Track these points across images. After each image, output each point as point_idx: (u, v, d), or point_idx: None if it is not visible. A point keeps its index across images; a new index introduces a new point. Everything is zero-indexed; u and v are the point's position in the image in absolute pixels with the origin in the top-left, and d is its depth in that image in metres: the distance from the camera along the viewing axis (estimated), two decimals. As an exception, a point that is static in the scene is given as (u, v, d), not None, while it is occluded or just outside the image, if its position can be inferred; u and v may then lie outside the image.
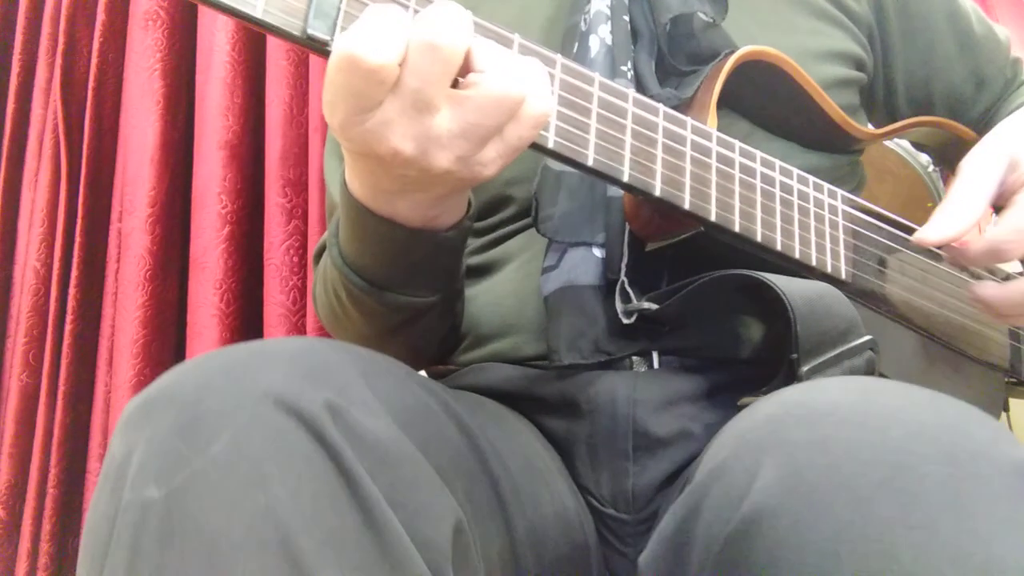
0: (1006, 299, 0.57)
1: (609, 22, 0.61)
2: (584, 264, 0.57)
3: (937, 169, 0.77)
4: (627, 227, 0.57)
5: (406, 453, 0.41)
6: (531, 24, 0.69)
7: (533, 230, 0.65)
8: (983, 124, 0.81)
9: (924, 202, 0.75)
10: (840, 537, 0.32)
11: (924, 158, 0.77)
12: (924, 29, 0.77)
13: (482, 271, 0.68)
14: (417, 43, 0.39)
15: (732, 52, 0.58)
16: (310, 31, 0.39)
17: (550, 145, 0.45)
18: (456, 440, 0.49)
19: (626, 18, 0.62)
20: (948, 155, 0.75)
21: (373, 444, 0.40)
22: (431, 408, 0.48)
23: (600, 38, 0.60)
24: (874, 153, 0.70)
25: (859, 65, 0.72)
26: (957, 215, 0.55)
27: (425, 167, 0.42)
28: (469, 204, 0.55)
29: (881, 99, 0.78)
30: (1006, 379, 0.73)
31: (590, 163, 0.46)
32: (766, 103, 0.62)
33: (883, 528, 0.31)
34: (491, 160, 0.43)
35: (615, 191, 0.58)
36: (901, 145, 0.76)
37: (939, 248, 0.63)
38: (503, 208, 0.67)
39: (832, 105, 0.63)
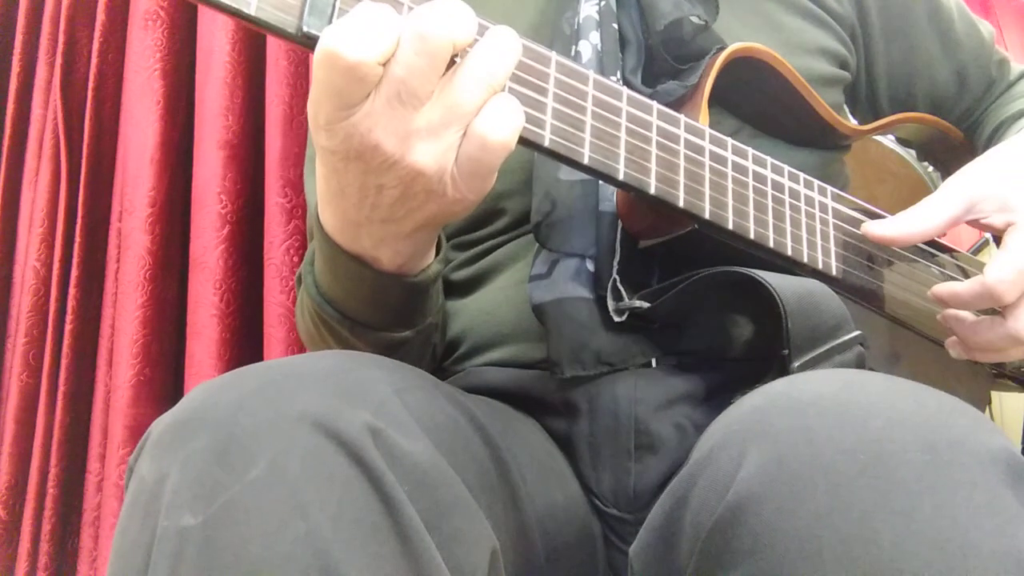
0: (981, 336, 0.58)
1: (599, 29, 0.61)
2: (579, 276, 0.57)
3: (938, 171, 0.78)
4: (619, 224, 0.57)
5: (443, 475, 0.41)
6: (516, 28, 0.69)
7: (522, 239, 0.65)
8: (967, 123, 0.81)
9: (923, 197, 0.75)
10: (821, 523, 0.32)
11: (924, 158, 0.77)
12: (905, 28, 0.77)
13: (471, 283, 0.67)
14: (407, 34, 0.38)
15: (722, 48, 0.59)
16: (305, 28, 0.38)
17: (546, 144, 0.45)
18: (482, 455, 0.48)
19: (615, 26, 0.61)
20: (934, 151, 0.76)
21: (412, 467, 0.39)
22: (459, 422, 0.48)
23: (592, 44, 0.60)
24: (875, 153, 0.70)
25: (842, 63, 0.72)
26: (911, 224, 0.57)
27: (404, 166, 0.41)
28: (439, 247, 0.55)
29: (864, 97, 0.78)
30: (991, 371, 0.73)
31: (586, 161, 0.46)
32: (754, 99, 0.62)
33: (863, 514, 0.32)
34: (456, 177, 0.42)
35: (606, 205, 0.57)
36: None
37: (923, 249, 0.63)
38: (493, 221, 0.67)
39: (819, 100, 0.64)
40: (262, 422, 0.37)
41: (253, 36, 1.26)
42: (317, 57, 0.38)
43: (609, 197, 0.58)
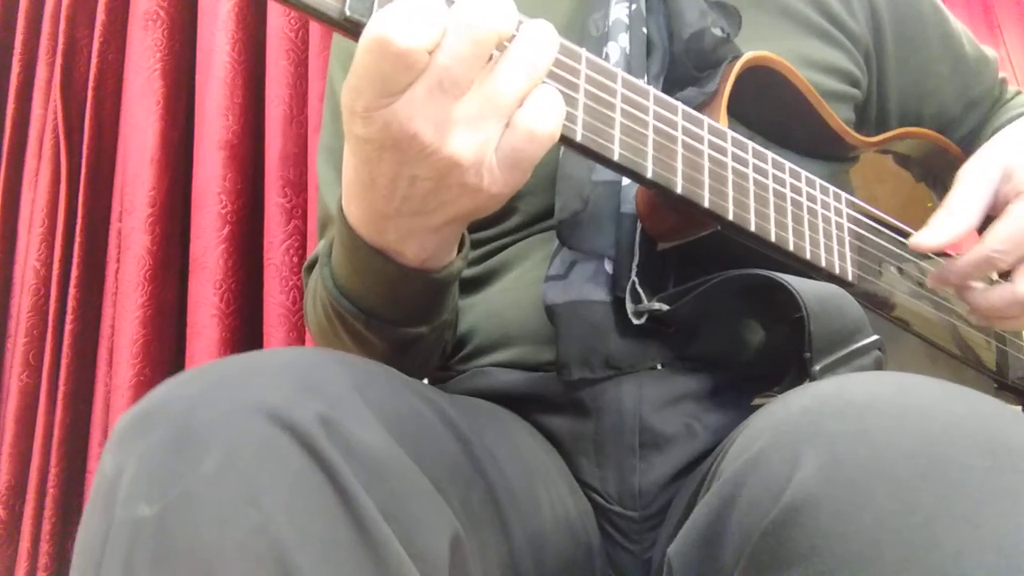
0: (990, 303, 0.60)
1: (628, 32, 0.61)
2: (596, 278, 0.57)
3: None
4: (639, 226, 0.57)
5: (400, 465, 0.41)
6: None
7: (532, 238, 0.65)
8: (968, 142, 0.82)
9: (924, 202, 0.75)
10: (883, 527, 0.32)
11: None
12: (919, 51, 0.78)
13: (479, 281, 0.67)
14: (453, 21, 0.39)
15: (738, 56, 0.59)
16: (348, 12, 0.39)
17: (578, 138, 0.45)
18: (452, 449, 0.48)
19: (644, 30, 0.62)
20: (932, 167, 0.77)
21: (366, 457, 0.39)
22: (426, 417, 0.47)
23: (620, 47, 0.61)
24: (875, 153, 0.70)
25: (854, 83, 0.73)
26: (951, 221, 0.59)
27: (441, 156, 0.41)
28: (462, 244, 0.55)
29: (873, 117, 0.79)
30: (994, 385, 0.73)
31: (615, 158, 0.46)
32: (767, 109, 0.63)
33: (926, 518, 0.31)
34: (494, 169, 0.43)
35: (627, 207, 0.57)
36: (902, 146, 0.76)
37: (931, 258, 0.64)
38: (506, 219, 0.66)
39: (830, 112, 0.64)
40: (217, 414, 0.37)
41: (253, 36, 1.26)
42: (364, 43, 0.38)
43: (630, 199, 0.58)
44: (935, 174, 0.76)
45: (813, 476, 0.34)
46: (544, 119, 0.42)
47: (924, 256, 0.66)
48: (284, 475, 0.36)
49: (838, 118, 0.65)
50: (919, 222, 0.63)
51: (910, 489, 0.32)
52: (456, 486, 0.46)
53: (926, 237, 0.59)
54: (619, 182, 0.58)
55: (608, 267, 0.57)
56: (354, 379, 0.43)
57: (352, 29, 0.39)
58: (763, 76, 0.60)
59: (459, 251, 0.55)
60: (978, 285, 0.61)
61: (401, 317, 0.56)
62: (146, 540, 0.35)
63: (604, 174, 0.59)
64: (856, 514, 0.33)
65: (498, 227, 0.67)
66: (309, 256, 0.68)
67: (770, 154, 0.55)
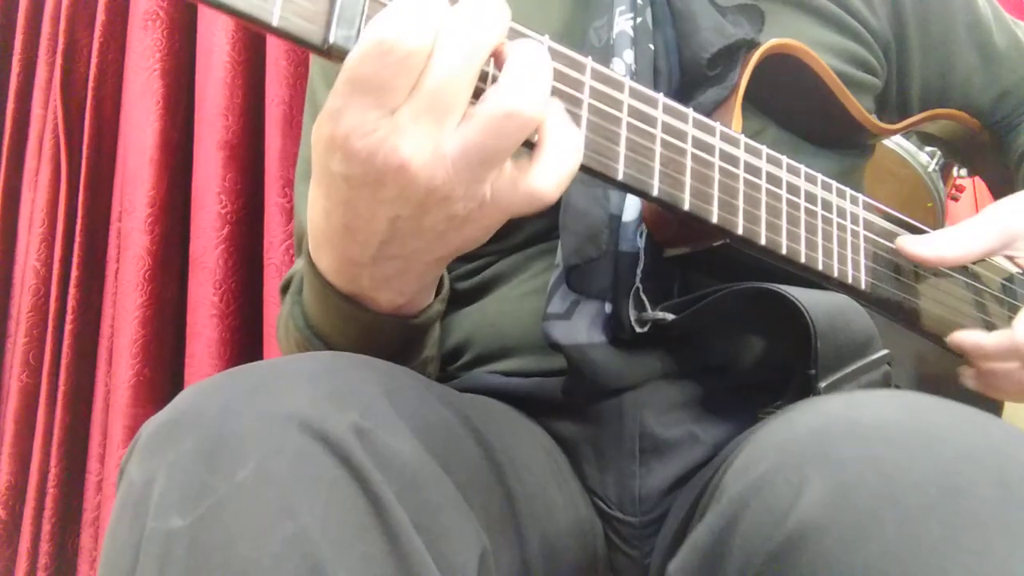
0: (981, 349, 0.58)
1: (634, 48, 0.58)
2: (600, 320, 0.56)
3: (937, 170, 0.77)
4: (644, 231, 0.56)
5: (431, 475, 0.41)
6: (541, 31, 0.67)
7: (527, 250, 0.63)
8: (1002, 130, 0.80)
9: (924, 202, 0.75)
10: (890, 557, 0.31)
11: (924, 158, 0.77)
12: (944, 42, 0.75)
13: (473, 294, 0.66)
14: (445, 34, 0.36)
15: (757, 45, 0.57)
16: (332, 39, 0.36)
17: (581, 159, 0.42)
18: (475, 455, 0.48)
19: (651, 46, 0.59)
20: (960, 148, 0.75)
21: (400, 467, 0.39)
22: (451, 423, 0.47)
23: (626, 63, 0.58)
24: (875, 153, 0.70)
25: (873, 73, 0.71)
26: (947, 244, 0.57)
27: (430, 189, 0.38)
28: (441, 286, 0.53)
29: (894, 105, 0.77)
30: None
31: (620, 177, 0.44)
32: (783, 96, 0.61)
33: (934, 550, 0.31)
34: (488, 207, 0.40)
35: (625, 246, 0.56)
36: (901, 145, 0.76)
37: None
38: (504, 238, 0.64)
39: (851, 99, 0.62)
40: (249, 424, 0.37)
41: (253, 36, 1.26)
42: (363, 51, 0.35)
43: (628, 237, 0.56)
44: (962, 155, 0.74)
45: (819, 502, 0.34)
46: (547, 182, 0.39)
47: None
48: (318, 486, 0.36)
49: (859, 105, 0.63)
50: (918, 221, 0.62)
51: (918, 520, 0.32)
52: (479, 494, 0.46)
53: (913, 246, 0.58)
54: (619, 218, 0.56)
55: (608, 308, 0.56)
56: (382, 384, 0.42)
57: (337, 56, 0.36)
58: (781, 63, 0.58)
59: (437, 293, 0.53)
60: (992, 357, 0.59)
61: (379, 358, 0.55)
62: (179, 552, 0.34)
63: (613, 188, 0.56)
64: (863, 543, 0.32)
65: (496, 245, 0.64)
66: (284, 276, 0.65)
67: (784, 159, 0.53)
